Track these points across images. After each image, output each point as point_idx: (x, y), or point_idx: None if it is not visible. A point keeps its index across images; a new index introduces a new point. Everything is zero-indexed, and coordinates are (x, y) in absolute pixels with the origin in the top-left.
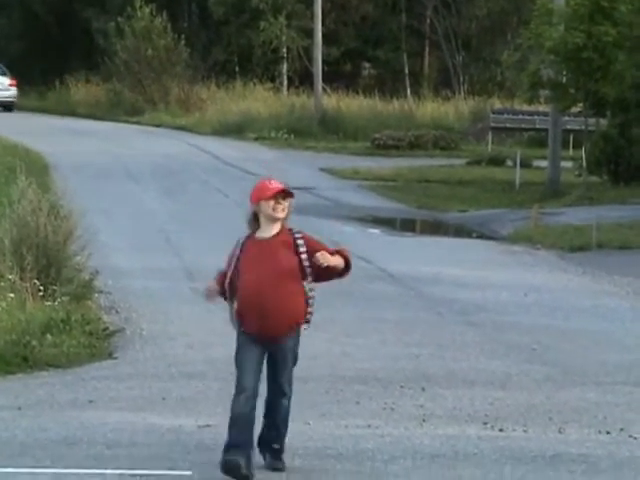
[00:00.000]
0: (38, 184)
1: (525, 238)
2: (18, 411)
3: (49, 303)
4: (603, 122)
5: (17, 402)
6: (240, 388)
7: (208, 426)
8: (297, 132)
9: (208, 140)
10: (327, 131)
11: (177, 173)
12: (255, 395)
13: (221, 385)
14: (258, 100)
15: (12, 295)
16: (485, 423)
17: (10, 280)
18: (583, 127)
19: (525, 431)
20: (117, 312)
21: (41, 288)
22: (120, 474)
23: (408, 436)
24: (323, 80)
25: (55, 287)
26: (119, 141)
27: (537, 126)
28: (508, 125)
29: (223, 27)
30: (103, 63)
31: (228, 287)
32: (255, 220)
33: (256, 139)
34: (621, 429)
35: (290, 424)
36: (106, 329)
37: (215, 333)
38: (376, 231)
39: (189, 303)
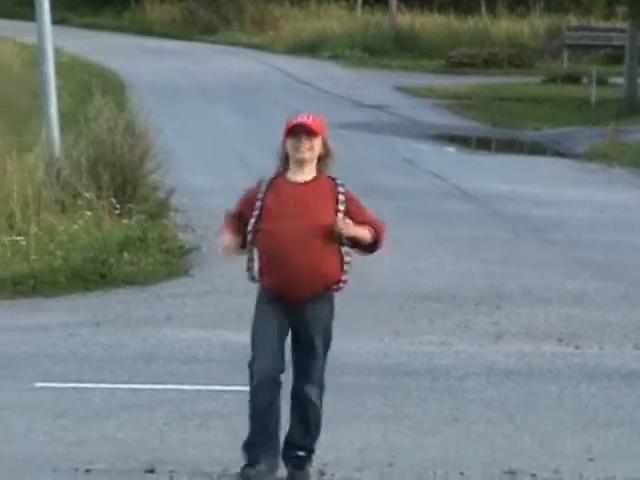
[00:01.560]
0: (114, 103)
1: (601, 155)
2: (96, 327)
3: (125, 221)
4: None
5: (95, 319)
6: (258, 370)
7: None
8: (371, 51)
9: (282, 59)
10: (401, 49)
11: (251, 91)
12: (277, 378)
13: None
14: (332, 18)
15: (89, 213)
16: (560, 340)
17: (87, 198)
18: None
19: (601, 348)
20: (193, 230)
21: (117, 206)
22: (197, 390)
23: (483, 353)
24: None
25: (131, 205)
26: (194, 60)
27: (613, 43)
28: (584, 42)
29: None
30: None
31: (252, 233)
32: (286, 159)
33: (330, 58)
34: None
35: (365, 341)
36: (182, 247)
37: None
38: (451, 149)
39: None
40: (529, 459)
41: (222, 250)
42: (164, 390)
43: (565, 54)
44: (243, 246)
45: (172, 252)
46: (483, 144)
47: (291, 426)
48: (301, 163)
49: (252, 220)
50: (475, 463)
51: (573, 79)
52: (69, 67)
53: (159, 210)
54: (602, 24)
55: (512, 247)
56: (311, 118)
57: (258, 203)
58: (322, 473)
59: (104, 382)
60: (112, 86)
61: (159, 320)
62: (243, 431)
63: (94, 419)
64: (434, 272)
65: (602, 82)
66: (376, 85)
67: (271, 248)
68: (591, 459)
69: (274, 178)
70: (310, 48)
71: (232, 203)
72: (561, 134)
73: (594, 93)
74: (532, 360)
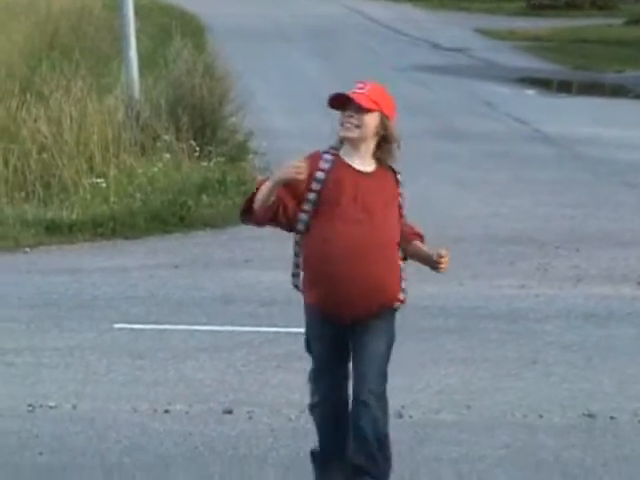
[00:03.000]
0: (193, 45)
1: None
2: (175, 269)
3: (204, 164)
4: None
5: (174, 261)
6: (317, 381)
7: None
8: None
9: (361, 1)
10: None
11: (331, 34)
12: (340, 387)
13: None
14: None
15: (168, 156)
16: None
17: (166, 141)
18: None
19: None
20: (271, 173)
21: (196, 149)
22: (275, 332)
23: (562, 296)
24: None
25: (210, 148)
26: (274, 3)
27: None
28: None
29: None
30: None
31: (302, 225)
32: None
33: (410, 0)
34: None
35: (444, 285)
36: None
37: None
38: (531, 92)
39: None
40: (608, 402)
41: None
42: (242, 332)
43: None
44: (273, 219)
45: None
46: (564, 87)
47: (352, 439)
48: (351, 143)
49: (305, 210)
50: (554, 406)
51: None
52: (148, 10)
53: (238, 153)
54: None
55: (593, 190)
56: (367, 88)
57: (316, 186)
58: (400, 415)
59: (183, 324)
60: (191, 29)
61: (238, 262)
62: None
63: (173, 360)
64: (514, 215)
65: None
66: (455, 27)
67: (322, 256)
68: None
69: (335, 158)
70: None
71: (311, 146)
72: None
73: None
74: (611, 303)
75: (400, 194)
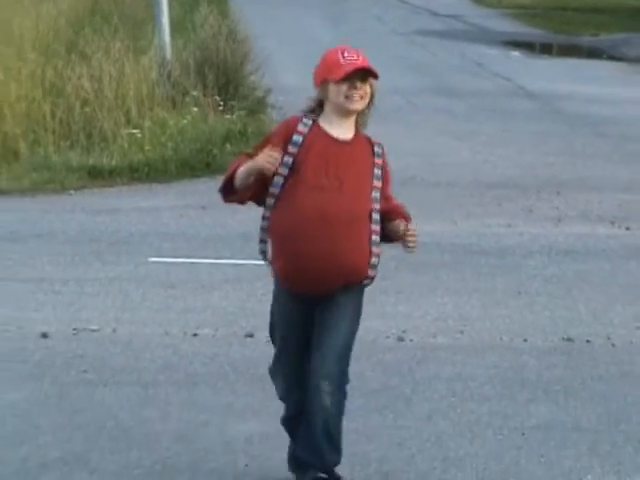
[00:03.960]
0: (218, 11)
1: None
2: (202, 210)
3: (228, 117)
4: None
5: (202, 202)
6: (281, 366)
7: None
8: None
9: None
10: None
11: (340, 2)
12: (301, 376)
13: None
14: None
15: (196, 109)
16: (613, 223)
17: (194, 96)
18: None
19: None
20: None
21: (221, 103)
22: None
23: (545, 234)
24: None
25: (233, 103)
26: None
27: None
28: None
29: None
30: None
31: (275, 196)
32: (320, 106)
33: None
34: None
35: (439, 224)
36: None
37: None
38: (516, 53)
39: None
40: (584, 327)
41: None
42: (261, 265)
43: None
44: (254, 195)
45: None
46: (545, 49)
47: (305, 433)
48: (347, 114)
49: (280, 174)
50: (537, 331)
51: None
52: None
53: (257, 107)
54: None
55: (570, 140)
56: (361, 56)
57: (292, 149)
58: (401, 339)
59: (209, 258)
60: None
61: None
62: None
63: (200, 290)
64: (501, 163)
65: None
66: None
67: (287, 225)
68: (639, 327)
69: (313, 125)
70: None
71: None
72: (617, 40)
73: None
74: (588, 240)
75: (381, 167)
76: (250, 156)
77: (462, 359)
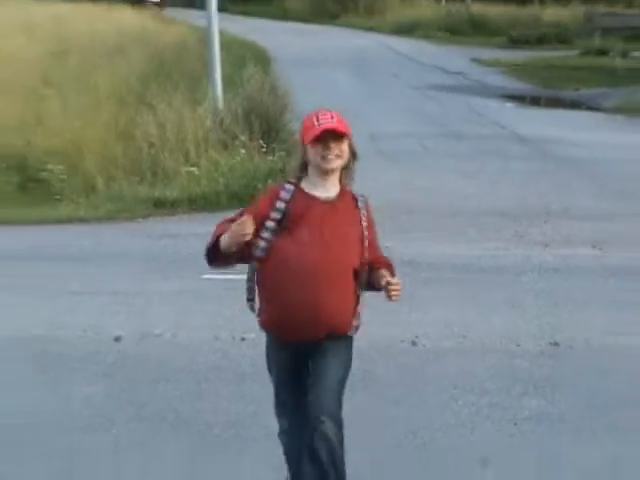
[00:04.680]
0: (262, 70)
1: (624, 110)
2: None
3: (270, 157)
4: None
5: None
6: (280, 406)
7: None
8: (452, 31)
9: (387, 37)
10: (474, 30)
11: (364, 61)
12: (300, 413)
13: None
14: (424, 8)
15: (243, 151)
16: (593, 246)
17: (242, 140)
18: None
19: (622, 251)
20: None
21: (264, 146)
22: None
23: (535, 255)
24: None
25: (274, 145)
26: (321, 38)
27: (633, 25)
28: (611, 25)
29: None
30: None
31: (264, 250)
32: (304, 168)
33: (422, 37)
34: None
35: (445, 247)
36: None
37: (392, 180)
38: (510, 105)
39: (372, 159)
40: (568, 333)
41: (236, 232)
42: None
43: (597, 34)
44: (239, 259)
45: None
46: (535, 101)
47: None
48: (326, 174)
49: (263, 237)
50: (528, 336)
51: (603, 52)
52: (230, 44)
53: (294, 149)
54: (625, 11)
55: (556, 178)
56: (335, 117)
57: (276, 215)
58: (415, 344)
59: None
60: (261, 58)
61: None
62: None
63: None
64: (499, 195)
65: (624, 55)
66: (457, 57)
67: (275, 278)
68: (614, 332)
69: (296, 189)
70: (407, 30)
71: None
72: (594, 94)
73: (619, 63)
74: (571, 261)
75: (366, 219)
76: (232, 221)
77: (464, 360)
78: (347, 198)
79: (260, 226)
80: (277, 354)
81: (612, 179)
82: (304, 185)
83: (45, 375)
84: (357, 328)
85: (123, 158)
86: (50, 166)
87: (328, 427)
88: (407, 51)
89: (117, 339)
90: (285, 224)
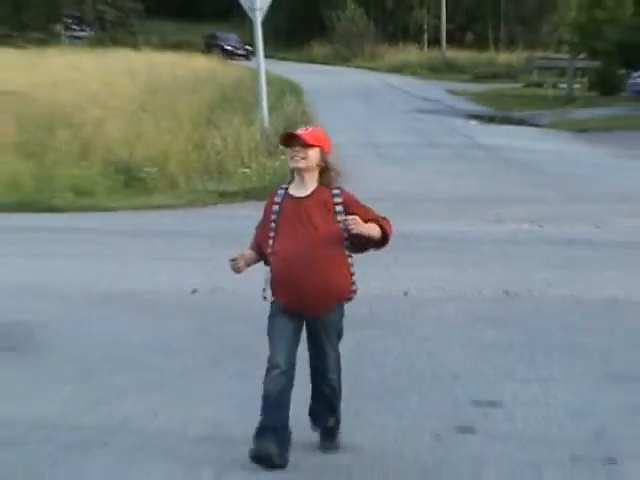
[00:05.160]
0: (297, 99)
1: (555, 125)
2: None
3: None
4: (595, 63)
5: None
6: (271, 364)
7: None
8: (432, 70)
9: (385, 75)
10: (448, 69)
11: (368, 92)
12: (289, 371)
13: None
14: (411, 53)
15: (283, 157)
16: (532, 222)
17: (282, 149)
18: (585, 65)
19: (556, 227)
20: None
21: None
22: None
23: (492, 230)
24: (446, 41)
25: None
26: (337, 76)
27: (561, 65)
28: (546, 64)
29: (394, 14)
30: (331, 35)
31: (264, 245)
32: (292, 173)
33: (410, 74)
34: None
35: (429, 224)
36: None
37: (389, 177)
38: (474, 122)
39: (375, 162)
40: (516, 285)
41: (233, 265)
42: None
43: (535, 71)
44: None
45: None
46: (491, 119)
47: (314, 400)
48: (298, 172)
49: (270, 236)
50: (487, 286)
51: (539, 85)
52: (272, 80)
53: None
54: (555, 55)
55: (506, 175)
56: (309, 131)
57: (275, 216)
58: (406, 294)
59: None
60: (295, 89)
61: None
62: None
63: None
64: (467, 187)
65: (554, 86)
66: (435, 89)
67: (278, 267)
68: (550, 284)
69: (285, 193)
70: (399, 69)
71: (357, 150)
72: (533, 114)
73: (551, 92)
74: (518, 234)
75: (341, 203)
76: (259, 227)
77: (444, 305)
78: (322, 192)
79: (267, 229)
80: (283, 319)
81: (545, 175)
82: (291, 187)
83: (145, 314)
84: (355, 293)
85: (197, 162)
86: (146, 169)
87: (334, 373)
88: (399, 85)
89: (194, 292)
90: (277, 222)
